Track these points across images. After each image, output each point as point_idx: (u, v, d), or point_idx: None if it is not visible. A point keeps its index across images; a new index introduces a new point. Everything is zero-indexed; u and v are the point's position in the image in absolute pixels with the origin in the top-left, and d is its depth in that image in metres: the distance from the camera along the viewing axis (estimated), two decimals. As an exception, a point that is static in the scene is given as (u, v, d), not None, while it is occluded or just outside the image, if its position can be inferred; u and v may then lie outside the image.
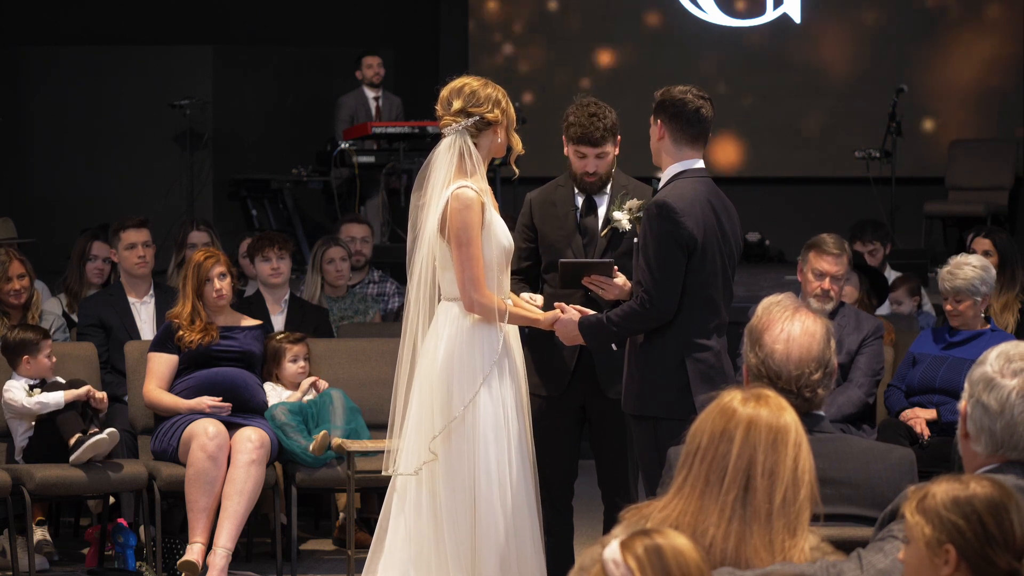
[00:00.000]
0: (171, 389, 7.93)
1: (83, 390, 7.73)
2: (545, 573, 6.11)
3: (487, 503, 5.97)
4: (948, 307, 7.86)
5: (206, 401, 7.83)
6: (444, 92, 6.16)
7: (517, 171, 6.32)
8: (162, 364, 7.95)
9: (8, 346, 7.94)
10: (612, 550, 2.90)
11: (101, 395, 7.82)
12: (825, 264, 7.69)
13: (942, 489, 3.08)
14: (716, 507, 3.35)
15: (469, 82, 6.15)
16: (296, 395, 8.13)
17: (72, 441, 7.63)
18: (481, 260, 5.98)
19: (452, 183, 6.02)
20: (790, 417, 3.42)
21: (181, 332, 7.91)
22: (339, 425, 7.96)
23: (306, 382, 8.19)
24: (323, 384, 8.17)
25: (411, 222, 6.17)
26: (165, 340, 7.96)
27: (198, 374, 7.90)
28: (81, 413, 7.74)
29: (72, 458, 7.60)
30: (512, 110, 6.21)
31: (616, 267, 6.23)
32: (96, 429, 7.69)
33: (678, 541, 2.94)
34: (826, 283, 7.69)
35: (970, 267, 7.82)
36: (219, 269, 8.00)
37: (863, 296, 9.13)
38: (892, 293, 9.94)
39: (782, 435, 3.39)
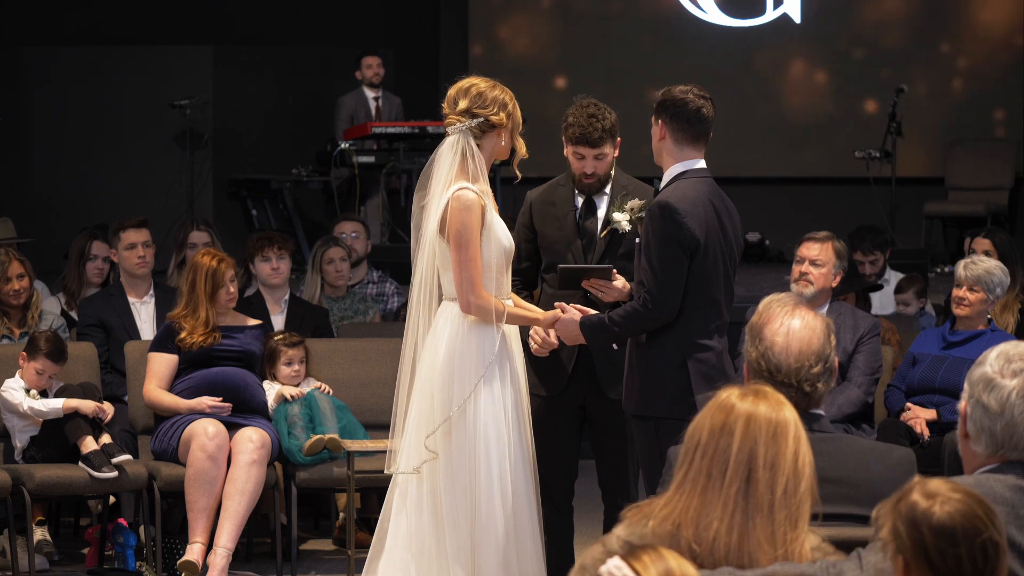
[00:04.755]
0: (171, 389, 7.93)
1: (90, 406, 7.72)
2: (545, 572, 6.12)
3: (488, 502, 5.97)
4: (959, 294, 7.82)
5: (206, 401, 7.83)
6: (451, 91, 6.15)
7: (519, 175, 6.31)
8: (162, 364, 7.95)
9: (30, 337, 8.03)
10: (616, 564, 2.89)
11: (109, 411, 7.81)
12: (805, 250, 7.73)
13: (913, 498, 3.04)
14: (719, 501, 3.36)
15: (477, 83, 6.14)
16: (271, 404, 8.10)
17: (84, 449, 7.63)
18: (479, 262, 5.98)
19: (453, 184, 6.02)
20: (789, 412, 3.43)
21: (184, 335, 7.91)
22: (331, 426, 7.97)
23: (284, 391, 8.13)
24: (293, 391, 8.12)
25: (414, 223, 6.17)
26: (165, 340, 7.96)
27: (198, 374, 7.91)
28: (90, 421, 7.74)
29: (89, 470, 7.62)
30: (519, 114, 6.20)
31: (615, 270, 6.23)
32: (108, 441, 7.69)
33: (682, 561, 2.94)
34: (805, 266, 7.70)
35: (992, 263, 7.88)
36: (231, 273, 8.03)
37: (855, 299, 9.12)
38: (899, 295, 9.94)
39: (782, 428, 3.39)
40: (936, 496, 3.03)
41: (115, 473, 7.62)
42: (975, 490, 3.47)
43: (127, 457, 7.75)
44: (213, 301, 7.96)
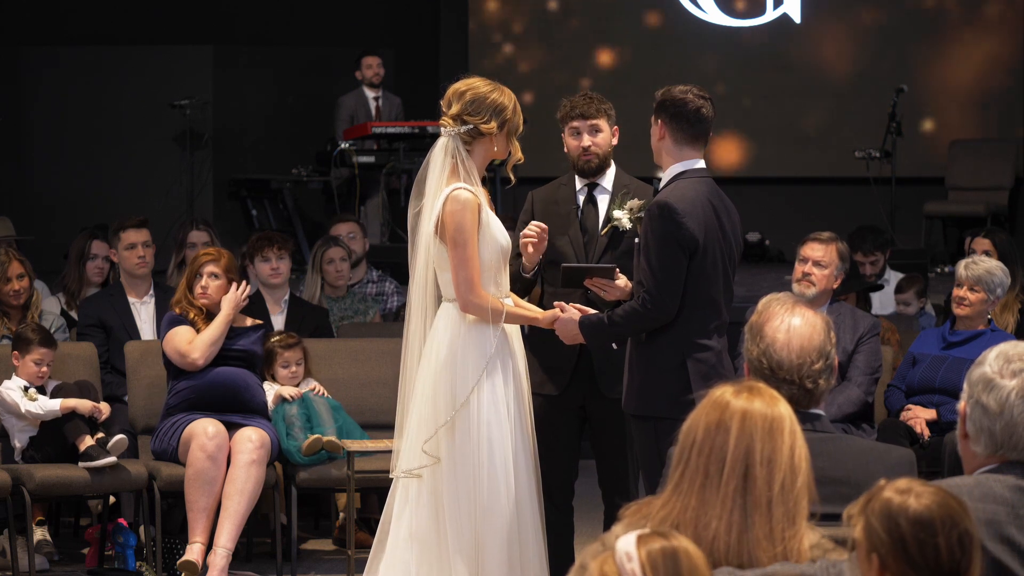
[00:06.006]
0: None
1: (87, 406, 7.72)
2: (547, 569, 6.12)
3: (491, 498, 5.97)
4: (959, 294, 7.82)
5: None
6: (449, 91, 6.13)
7: (513, 179, 6.31)
8: (187, 332, 7.89)
9: (15, 336, 8.01)
10: (627, 542, 2.90)
11: (104, 411, 7.81)
12: (809, 250, 7.71)
13: (885, 495, 3.04)
14: (718, 499, 3.36)
15: (476, 86, 6.11)
16: (270, 404, 8.10)
17: (82, 448, 7.64)
18: (476, 261, 5.97)
19: (447, 184, 6.02)
20: (784, 407, 3.43)
21: (192, 316, 7.91)
22: (329, 427, 7.98)
23: (282, 391, 8.13)
24: (292, 391, 8.12)
25: (410, 228, 6.17)
26: (177, 319, 7.93)
27: (199, 374, 7.89)
28: (87, 420, 7.74)
29: (82, 465, 7.63)
30: (518, 118, 6.16)
31: (617, 269, 6.23)
32: (102, 435, 7.70)
33: (692, 549, 2.94)
34: (808, 267, 7.69)
35: (993, 263, 7.88)
36: (210, 268, 7.97)
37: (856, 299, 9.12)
38: (899, 294, 9.94)
39: (777, 423, 3.39)
40: (909, 491, 3.03)
41: (113, 458, 7.61)
42: (975, 490, 3.47)
43: (121, 437, 7.72)
44: (192, 291, 7.96)
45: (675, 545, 2.92)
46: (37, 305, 8.73)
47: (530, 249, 6.37)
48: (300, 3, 15.33)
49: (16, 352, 7.91)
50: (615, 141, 6.69)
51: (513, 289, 6.29)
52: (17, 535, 7.71)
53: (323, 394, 8.21)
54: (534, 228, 6.37)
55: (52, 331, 8.29)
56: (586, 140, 6.61)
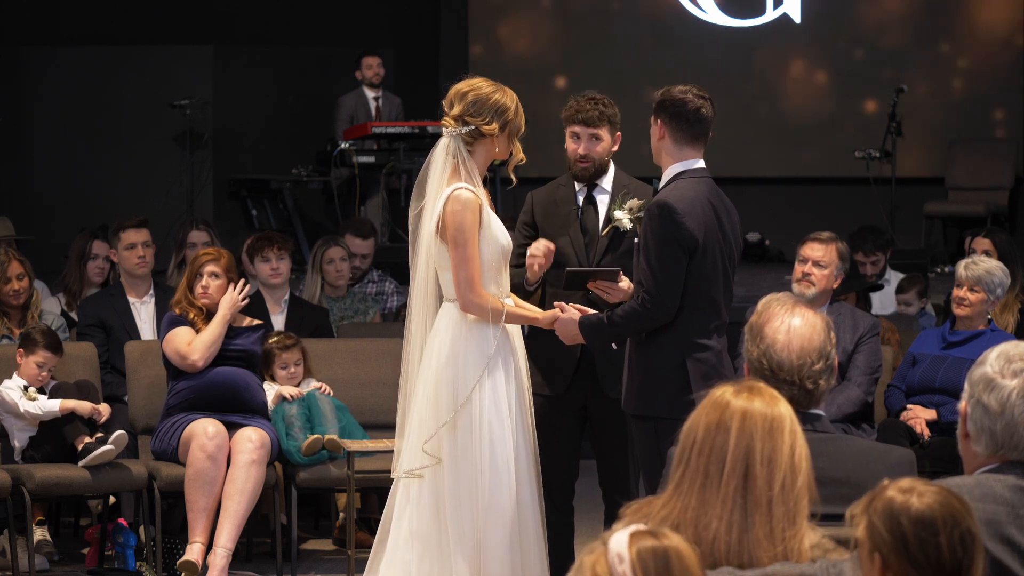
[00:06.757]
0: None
1: (86, 407, 7.71)
2: (548, 569, 6.12)
3: (492, 498, 5.97)
4: (959, 294, 7.82)
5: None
6: (451, 91, 6.13)
7: (515, 179, 6.31)
8: (187, 333, 7.89)
9: (24, 334, 8.02)
10: (619, 542, 2.90)
11: (104, 413, 7.80)
12: (809, 250, 7.71)
13: (888, 494, 3.04)
14: (718, 499, 3.36)
15: (479, 87, 6.11)
16: (271, 404, 8.10)
17: (80, 447, 7.64)
18: (477, 260, 5.98)
19: (449, 185, 6.02)
20: (783, 407, 3.43)
21: (192, 316, 7.91)
22: (331, 426, 7.98)
23: (282, 391, 8.13)
24: (293, 391, 8.12)
25: (411, 229, 6.17)
26: (178, 320, 7.92)
27: (199, 374, 7.89)
28: (85, 420, 7.74)
29: (80, 463, 7.63)
30: (520, 119, 6.16)
31: (620, 272, 6.23)
32: (101, 435, 7.70)
33: (684, 548, 2.93)
34: (808, 267, 7.69)
35: (993, 263, 7.88)
36: (211, 268, 7.96)
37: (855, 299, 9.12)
38: (901, 294, 9.95)
39: (778, 423, 3.39)
40: (912, 490, 3.04)
41: (112, 447, 7.60)
42: (975, 490, 3.48)
43: (121, 432, 7.71)
44: (192, 291, 7.96)
45: (666, 545, 2.92)
46: (37, 305, 8.73)
47: (536, 267, 6.38)
48: (300, 3, 15.33)
49: (21, 350, 7.92)
50: (616, 148, 6.68)
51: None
52: (17, 535, 7.72)
53: (329, 393, 8.21)
54: (540, 247, 6.37)
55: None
56: (583, 148, 6.60)
